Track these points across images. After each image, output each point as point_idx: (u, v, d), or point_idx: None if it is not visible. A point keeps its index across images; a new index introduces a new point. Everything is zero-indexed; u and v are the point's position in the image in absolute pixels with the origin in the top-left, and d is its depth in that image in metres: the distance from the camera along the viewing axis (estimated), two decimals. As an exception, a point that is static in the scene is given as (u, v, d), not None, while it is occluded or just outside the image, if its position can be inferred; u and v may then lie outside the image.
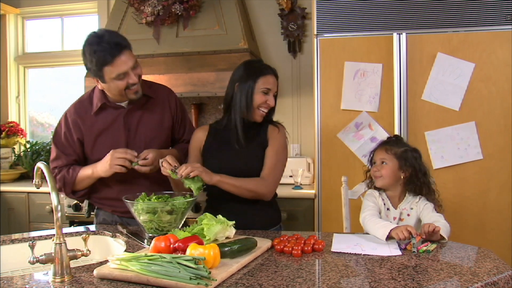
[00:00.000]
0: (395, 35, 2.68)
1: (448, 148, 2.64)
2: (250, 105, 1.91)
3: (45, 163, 1.41)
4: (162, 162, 1.82)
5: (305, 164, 3.33)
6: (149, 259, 1.27)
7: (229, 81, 1.98)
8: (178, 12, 3.15)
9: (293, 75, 3.57)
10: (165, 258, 1.24)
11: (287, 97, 3.59)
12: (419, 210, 1.87)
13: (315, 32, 2.80)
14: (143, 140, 2.03)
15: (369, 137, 2.74)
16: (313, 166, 3.30)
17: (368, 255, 1.47)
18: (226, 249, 1.35)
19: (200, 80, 3.17)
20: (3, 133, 3.83)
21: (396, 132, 2.68)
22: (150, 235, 1.68)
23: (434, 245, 1.53)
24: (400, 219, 1.88)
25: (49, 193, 3.38)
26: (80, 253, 1.31)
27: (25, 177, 3.81)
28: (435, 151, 2.65)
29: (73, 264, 1.50)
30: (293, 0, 3.40)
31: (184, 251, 1.30)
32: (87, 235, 1.34)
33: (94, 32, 1.88)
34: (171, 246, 1.33)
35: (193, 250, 1.27)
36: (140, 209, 1.67)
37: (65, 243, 1.29)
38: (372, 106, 2.73)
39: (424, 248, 1.50)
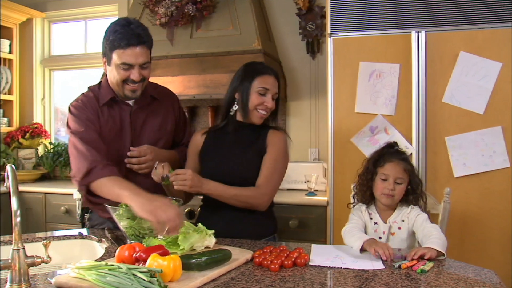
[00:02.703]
0: (413, 33, 2.50)
1: (471, 155, 2.43)
2: (246, 106, 1.83)
3: (13, 166, 1.36)
4: (156, 167, 1.77)
5: (322, 169, 3.18)
6: (109, 269, 1.20)
7: (230, 83, 1.92)
8: (190, 12, 3.10)
9: (312, 77, 3.43)
10: (121, 268, 1.17)
11: (306, 100, 3.46)
12: (411, 222, 1.70)
13: (329, 31, 2.67)
14: (147, 142, 1.97)
15: (385, 142, 2.55)
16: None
17: (348, 268, 1.34)
18: (192, 261, 1.25)
19: (213, 81, 3.10)
20: (27, 134, 3.91)
21: (414, 137, 2.49)
22: (133, 241, 1.62)
23: (431, 264, 1.37)
24: (390, 233, 1.72)
25: (65, 194, 3.35)
26: (39, 259, 1.25)
27: (47, 177, 3.87)
28: (457, 158, 2.45)
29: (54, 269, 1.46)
30: (311, -1, 3.27)
31: (145, 261, 1.21)
32: (48, 242, 1.28)
33: (127, 17, 1.88)
34: (133, 255, 1.25)
35: (152, 261, 1.18)
36: (120, 214, 1.61)
37: (23, 249, 1.23)
38: (388, 109, 2.56)
39: (421, 267, 1.34)
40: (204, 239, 1.49)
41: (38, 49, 4.18)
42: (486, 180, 2.41)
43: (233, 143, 1.87)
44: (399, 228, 1.71)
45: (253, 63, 1.96)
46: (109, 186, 1.71)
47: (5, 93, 3.88)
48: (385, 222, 1.74)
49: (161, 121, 2.02)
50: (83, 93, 1.98)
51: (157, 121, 2.01)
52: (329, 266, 1.38)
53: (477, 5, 2.42)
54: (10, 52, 3.91)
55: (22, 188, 3.49)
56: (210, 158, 1.90)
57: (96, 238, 1.81)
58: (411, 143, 2.51)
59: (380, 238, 1.72)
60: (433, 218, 2.39)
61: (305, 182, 3.06)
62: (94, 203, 2.01)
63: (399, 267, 1.35)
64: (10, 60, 3.92)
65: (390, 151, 1.82)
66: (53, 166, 3.84)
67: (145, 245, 1.36)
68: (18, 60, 3.99)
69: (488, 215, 2.42)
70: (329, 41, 2.67)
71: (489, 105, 2.40)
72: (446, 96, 2.46)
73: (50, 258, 1.28)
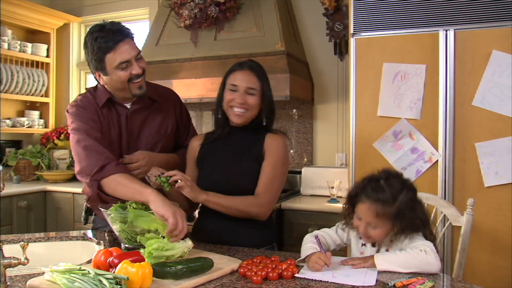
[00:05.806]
0: (441, 32, 2.33)
1: (504, 163, 2.22)
2: (220, 105, 1.77)
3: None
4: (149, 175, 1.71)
5: (347, 175, 3.04)
6: (82, 274, 1.17)
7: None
8: (213, 14, 3.07)
9: (339, 79, 3.31)
10: (90, 274, 1.13)
11: (333, 103, 3.35)
12: (402, 246, 1.47)
13: (352, 31, 2.55)
14: (144, 145, 1.93)
15: (410, 147, 2.41)
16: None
17: (337, 283, 1.24)
18: (166, 269, 1.20)
19: (235, 84, 3.05)
20: (62, 135, 4.03)
21: (441, 143, 2.32)
22: (127, 245, 1.60)
23: (429, 284, 1.24)
24: None
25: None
26: (16, 261, 1.24)
27: (78, 177, 3.97)
28: (488, 166, 2.25)
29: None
30: (338, -2, 3.15)
31: (116, 267, 1.17)
32: (25, 244, 1.27)
33: (93, 25, 1.84)
34: (107, 260, 1.22)
35: (121, 268, 1.14)
36: (113, 217, 1.59)
37: (0, 250, 1.22)
38: (413, 112, 2.40)
39: (417, 286, 1.22)
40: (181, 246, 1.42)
41: (75, 53, 4.31)
42: (521, 191, 2.21)
43: (229, 149, 1.79)
44: (387, 250, 1.50)
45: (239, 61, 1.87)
46: (127, 182, 1.67)
47: (41, 96, 4.03)
48: (373, 246, 1.54)
49: (159, 123, 1.97)
50: (80, 94, 1.97)
51: (155, 124, 1.96)
52: (317, 280, 1.28)
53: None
54: (47, 56, 4.06)
55: (53, 187, 3.61)
56: (205, 167, 1.82)
57: (96, 240, 1.80)
58: (437, 149, 2.34)
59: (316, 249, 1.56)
60: (455, 231, 2.24)
61: (328, 188, 2.95)
62: (104, 201, 1.98)
63: (393, 286, 1.24)
64: (47, 64, 4.06)
65: (367, 188, 1.49)
66: (84, 167, 3.93)
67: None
68: (55, 64, 4.13)
69: (523, 229, 2.21)
70: (352, 41, 2.55)
71: (525, 109, 2.19)
72: (477, 99, 2.28)
73: (28, 260, 1.27)
